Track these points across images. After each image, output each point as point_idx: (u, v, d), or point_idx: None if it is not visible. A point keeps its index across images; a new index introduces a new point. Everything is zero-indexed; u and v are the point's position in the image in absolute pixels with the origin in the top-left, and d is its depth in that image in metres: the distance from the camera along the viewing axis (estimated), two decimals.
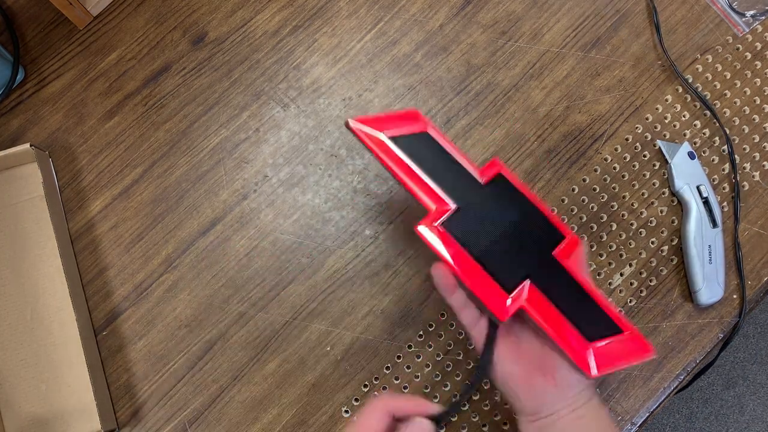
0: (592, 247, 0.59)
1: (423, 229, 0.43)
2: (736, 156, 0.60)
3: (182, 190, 0.62)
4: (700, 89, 0.62)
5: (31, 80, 0.66)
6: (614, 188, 0.60)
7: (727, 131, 0.61)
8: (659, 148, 0.61)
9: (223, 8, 0.66)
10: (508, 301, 0.42)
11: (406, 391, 0.57)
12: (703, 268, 0.56)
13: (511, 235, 0.44)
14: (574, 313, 0.42)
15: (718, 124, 0.61)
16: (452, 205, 0.43)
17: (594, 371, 0.41)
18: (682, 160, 0.59)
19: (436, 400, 0.57)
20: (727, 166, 0.61)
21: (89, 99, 0.65)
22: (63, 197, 0.63)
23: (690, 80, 0.62)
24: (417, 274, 0.59)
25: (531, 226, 0.44)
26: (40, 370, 0.59)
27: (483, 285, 0.42)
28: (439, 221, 0.43)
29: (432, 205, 0.43)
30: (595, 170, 0.61)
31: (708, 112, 0.61)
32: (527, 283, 0.43)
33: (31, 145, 0.59)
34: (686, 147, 0.60)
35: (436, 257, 0.43)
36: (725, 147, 0.61)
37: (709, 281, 0.56)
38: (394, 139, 0.44)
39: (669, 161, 0.60)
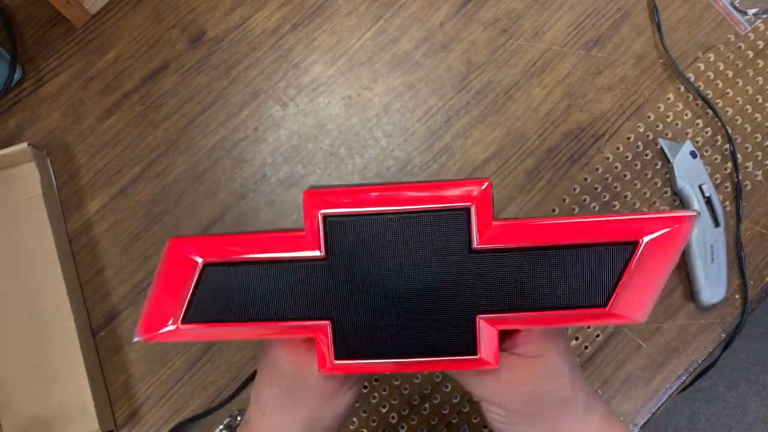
0: None
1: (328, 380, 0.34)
2: (738, 155, 0.60)
3: (181, 189, 0.62)
4: (701, 88, 0.62)
5: (29, 79, 0.65)
6: (616, 187, 0.60)
7: (729, 130, 0.61)
8: (661, 147, 0.60)
9: (221, 6, 0.66)
10: (483, 353, 0.31)
11: (405, 392, 0.57)
12: (705, 268, 0.56)
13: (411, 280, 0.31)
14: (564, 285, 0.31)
15: (720, 123, 0.61)
16: (321, 323, 0.32)
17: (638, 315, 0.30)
18: (684, 159, 0.59)
19: (436, 401, 0.56)
20: (729, 165, 0.60)
21: (87, 98, 0.65)
22: (61, 197, 0.62)
23: (692, 79, 0.62)
24: None
25: (421, 242, 0.31)
26: (38, 371, 0.58)
27: (443, 364, 0.32)
28: (330, 356, 0.32)
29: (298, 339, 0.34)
30: (597, 169, 0.60)
31: (710, 111, 0.61)
32: (478, 318, 0.31)
33: (28, 145, 0.59)
34: (688, 146, 0.59)
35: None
36: (727, 146, 0.60)
37: (711, 281, 0.56)
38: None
39: (671, 160, 0.59)
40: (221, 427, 0.56)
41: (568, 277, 0.31)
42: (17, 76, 0.65)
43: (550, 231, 0.31)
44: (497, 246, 0.31)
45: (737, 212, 0.59)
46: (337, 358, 0.32)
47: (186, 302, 0.31)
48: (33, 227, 0.61)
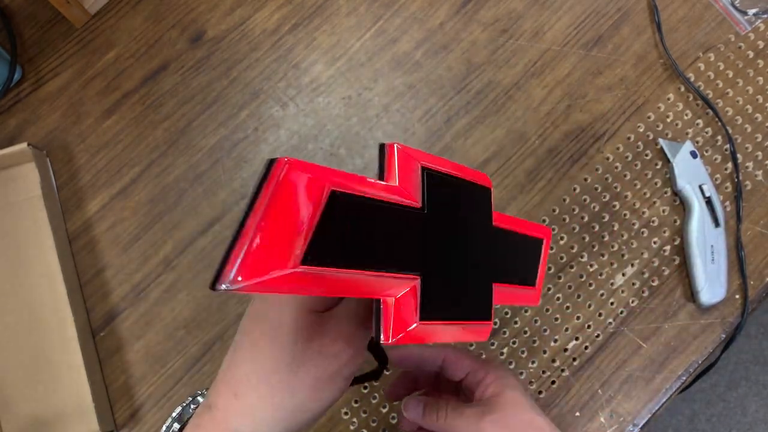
0: (593, 247, 0.59)
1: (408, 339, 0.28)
2: (738, 155, 0.60)
3: (180, 189, 0.62)
4: (702, 88, 0.62)
5: (29, 79, 0.65)
6: (616, 187, 0.60)
7: (729, 130, 0.60)
8: (661, 147, 0.60)
9: (221, 6, 0.66)
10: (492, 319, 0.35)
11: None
12: (705, 268, 0.56)
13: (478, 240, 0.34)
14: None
15: (720, 123, 0.60)
16: (414, 279, 0.29)
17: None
18: (684, 159, 0.59)
19: None
20: (729, 165, 0.60)
21: (87, 98, 0.64)
22: (61, 197, 0.62)
23: (692, 79, 0.62)
24: None
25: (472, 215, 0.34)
26: (38, 371, 0.58)
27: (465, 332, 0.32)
28: (417, 315, 0.29)
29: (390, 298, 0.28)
30: (597, 169, 0.60)
31: (710, 111, 0.61)
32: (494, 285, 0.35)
33: (28, 145, 0.59)
34: (688, 146, 0.59)
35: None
36: (727, 146, 0.60)
37: (711, 281, 0.56)
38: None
39: (671, 160, 0.59)
40: (170, 420, 0.52)
41: (524, 259, 0.40)
42: (17, 76, 0.65)
43: (517, 223, 0.38)
44: (501, 226, 0.36)
45: (737, 212, 0.59)
46: (422, 319, 0.28)
47: (308, 238, 0.24)
48: (33, 227, 0.61)
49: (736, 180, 0.60)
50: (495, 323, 0.57)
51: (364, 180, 0.27)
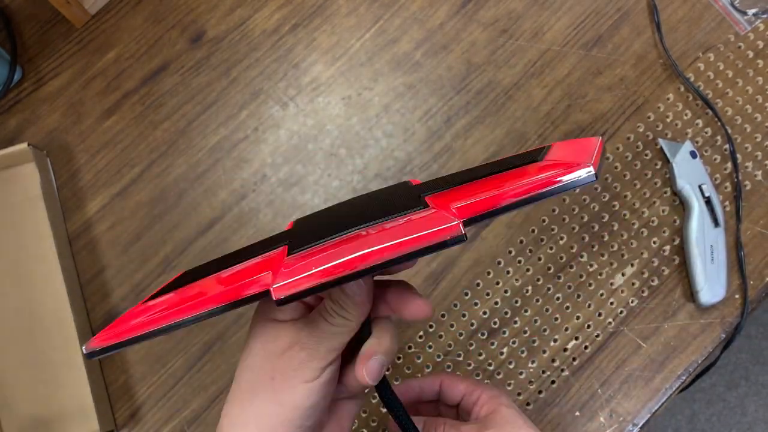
0: (593, 247, 0.59)
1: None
2: (738, 155, 0.60)
3: (180, 189, 0.62)
4: (701, 88, 0.62)
5: (29, 79, 0.65)
6: (616, 187, 0.60)
7: (729, 130, 0.61)
8: (661, 147, 0.60)
9: (221, 6, 0.66)
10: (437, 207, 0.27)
11: None
12: (704, 268, 0.56)
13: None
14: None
15: (719, 123, 0.60)
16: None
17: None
18: (684, 159, 0.59)
19: None
20: (728, 165, 0.60)
21: (87, 98, 0.65)
22: (61, 197, 0.62)
23: (692, 79, 0.62)
24: (417, 274, 0.59)
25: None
26: (38, 371, 0.58)
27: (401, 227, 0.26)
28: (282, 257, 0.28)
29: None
30: None
31: (710, 111, 0.61)
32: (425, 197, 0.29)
33: (28, 145, 0.59)
34: (688, 146, 0.59)
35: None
36: (727, 146, 0.60)
37: (711, 281, 0.56)
38: None
39: (670, 160, 0.59)
40: None
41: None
42: (17, 76, 0.65)
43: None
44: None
45: (737, 212, 0.59)
46: (289, 254, 0.27)
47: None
48: (33, 227, 0.61)
49: (735, 180, 0.60)
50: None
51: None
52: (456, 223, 0.25)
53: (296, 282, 0.25)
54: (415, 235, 0.25)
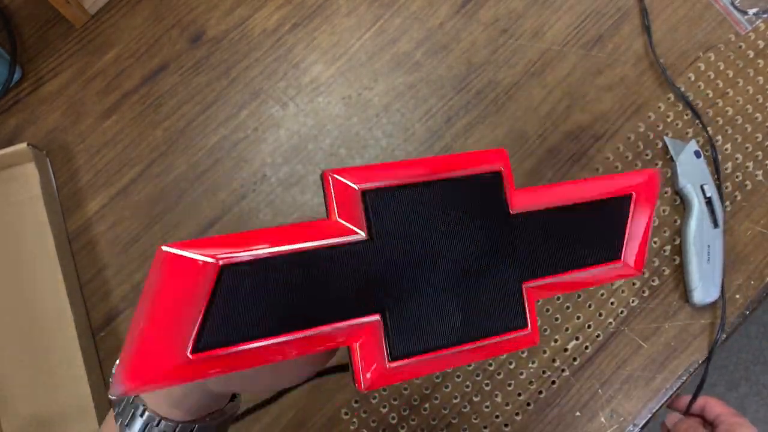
0: None
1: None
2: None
3: (180, 189, 0.62)
4: (702, 88, 0.62)
5: (29, 79, 0.65)
6: None
7: (729, 130, 0.60)
8: (662, 146, 0.60)
9: (221, 6, 0.66)
10: (530, 327, 0.29)
11: (405, 393, 0.56)
12: (700, 268, 0.56)
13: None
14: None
15: (719, 123, 0.60)
16: (371, 319, 0.26)
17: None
18: (688, 158, 0.59)
19: (436, 401, 0.56)
20: (729, 165, 0.60)
21: (87, 98, 0.64)
22: (60, 197, 0.62)
23: (692, 79, 0.62)
24: None
25: (461, 207, 0.28)
26: (38, 371, 0.58)
27: (499, 346, 0.29)
28: (385, 357, 0.26)
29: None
30: (597, 169, 0.60)
31: (710, 111, 0.61)
32: (524, 286, 0.29)
33: (28, 145, 0.59)
34: (693, 145, 0.59)
35: None
36: (727, 146, 0.60)
37: (705, 281, 0.56)
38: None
39: (674, 159, 0.59)
40: None
41: (589, 234, 0.31)
42: (17, 76, 0.65)
43: (564, 192, 0.30)
44: (530, 209, 0.29)
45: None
46: (392, 360, 0.26)
47: (197, 323, 0.22)
48: (33, 227, 0.61)
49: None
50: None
51: (274, 235, 0.24)
52: (534, 338, 0.29)
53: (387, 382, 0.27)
54: (498, 346, 0.29)
